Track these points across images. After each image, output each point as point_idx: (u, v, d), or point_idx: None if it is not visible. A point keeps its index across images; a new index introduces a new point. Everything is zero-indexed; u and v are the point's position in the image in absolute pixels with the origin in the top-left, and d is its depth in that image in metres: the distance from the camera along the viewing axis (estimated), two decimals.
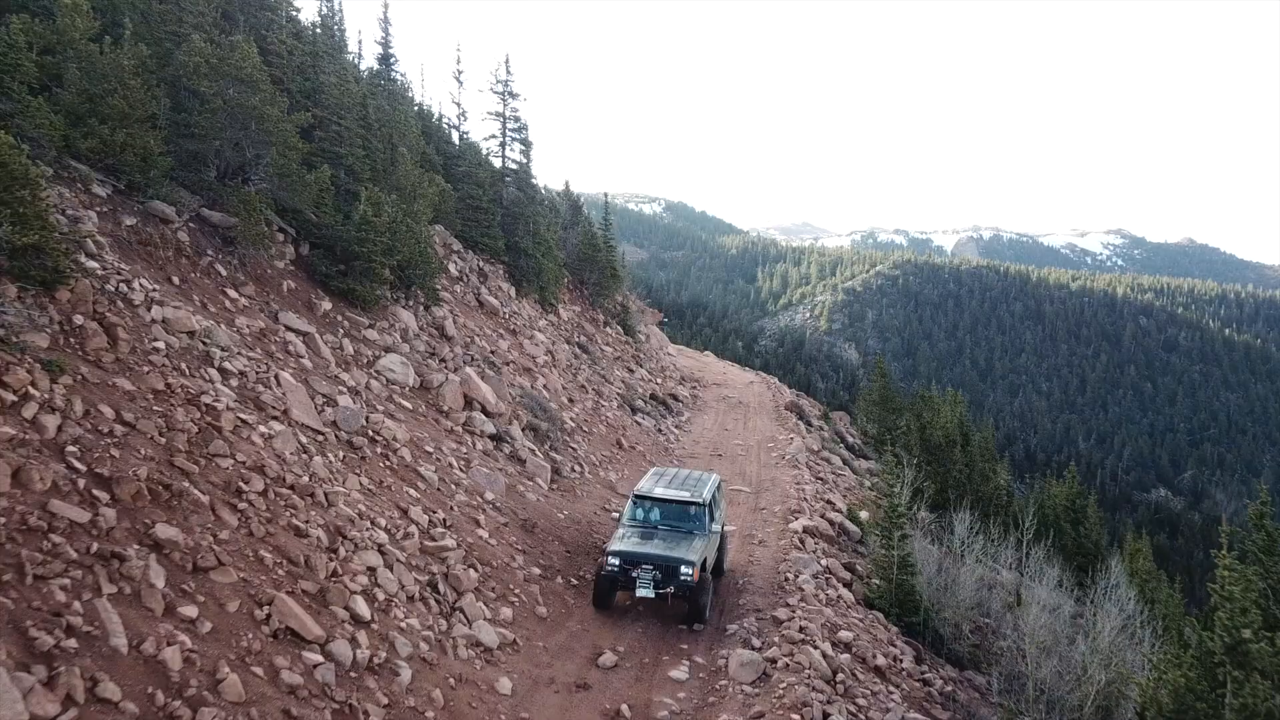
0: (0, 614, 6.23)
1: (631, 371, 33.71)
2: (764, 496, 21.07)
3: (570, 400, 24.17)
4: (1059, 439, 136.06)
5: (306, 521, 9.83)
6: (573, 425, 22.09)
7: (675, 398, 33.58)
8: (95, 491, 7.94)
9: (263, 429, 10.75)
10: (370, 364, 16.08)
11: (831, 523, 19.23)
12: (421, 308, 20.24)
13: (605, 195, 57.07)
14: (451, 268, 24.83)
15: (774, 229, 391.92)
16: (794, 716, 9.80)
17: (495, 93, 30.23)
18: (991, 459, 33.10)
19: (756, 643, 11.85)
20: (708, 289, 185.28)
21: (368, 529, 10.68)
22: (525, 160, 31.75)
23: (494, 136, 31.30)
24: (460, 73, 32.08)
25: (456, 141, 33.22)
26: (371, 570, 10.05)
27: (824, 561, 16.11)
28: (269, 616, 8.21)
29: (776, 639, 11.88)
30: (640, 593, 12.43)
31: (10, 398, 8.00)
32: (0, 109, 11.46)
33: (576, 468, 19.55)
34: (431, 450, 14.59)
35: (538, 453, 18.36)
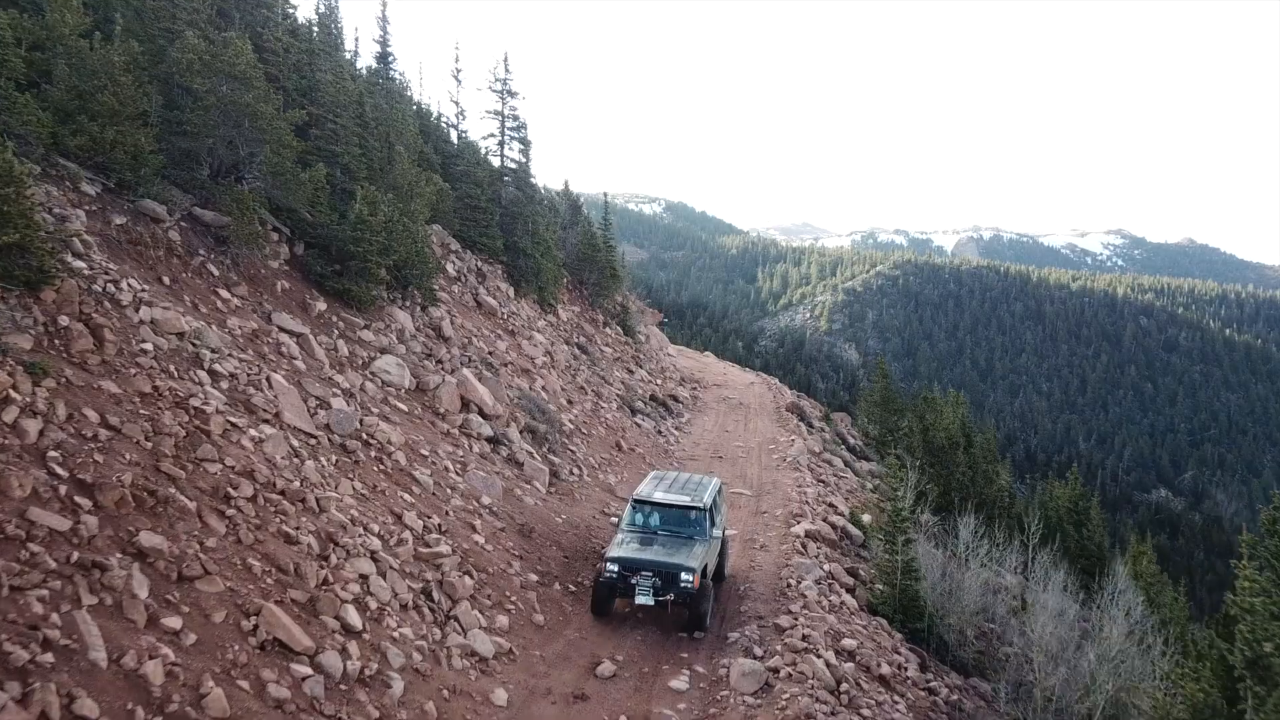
0: None
1: (631, 372, 33.46)
2: (765, 500, 20.82)
3: (569, 402, 23.92)
4: (1059, 439, 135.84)
5: (297, 528, 9.58)
6: (571, 427, 21.84)
7: (675, 399, 33.33)
8: (77, 498, 7.70)
9: (253, 432, 10.50)
10: (365, 365, 15.82)
11: (834, 526, 18.98)
12: (418, 308, 19.99)
13: (605, 195, 56.86)
14: (449, 268, 24.57)
15: (774, 229, 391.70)
16: None
17: (494, 91, 29.99)
18: (994, 461, 32.88)
19: (758, 651, 11.60)
20: (708, 289, 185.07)
21: (360, 535, 10.43)
22: (524, 159, 31.50)
23: (492, 135, 31.06)
24: (459, 71, 31.87)
25: (455, 140, 32.99)
26: (364, 578, 9.80)
27: (826, 566, 15.86)
28: (256, 627, 7.96)
29: (779, 647, 11.63)
30: (640, 600, 12.17)
31: None
32: None
33: (575, 471, 19.30)
34: (427, 453, 14.33)
35: (536, 455, 18.11)
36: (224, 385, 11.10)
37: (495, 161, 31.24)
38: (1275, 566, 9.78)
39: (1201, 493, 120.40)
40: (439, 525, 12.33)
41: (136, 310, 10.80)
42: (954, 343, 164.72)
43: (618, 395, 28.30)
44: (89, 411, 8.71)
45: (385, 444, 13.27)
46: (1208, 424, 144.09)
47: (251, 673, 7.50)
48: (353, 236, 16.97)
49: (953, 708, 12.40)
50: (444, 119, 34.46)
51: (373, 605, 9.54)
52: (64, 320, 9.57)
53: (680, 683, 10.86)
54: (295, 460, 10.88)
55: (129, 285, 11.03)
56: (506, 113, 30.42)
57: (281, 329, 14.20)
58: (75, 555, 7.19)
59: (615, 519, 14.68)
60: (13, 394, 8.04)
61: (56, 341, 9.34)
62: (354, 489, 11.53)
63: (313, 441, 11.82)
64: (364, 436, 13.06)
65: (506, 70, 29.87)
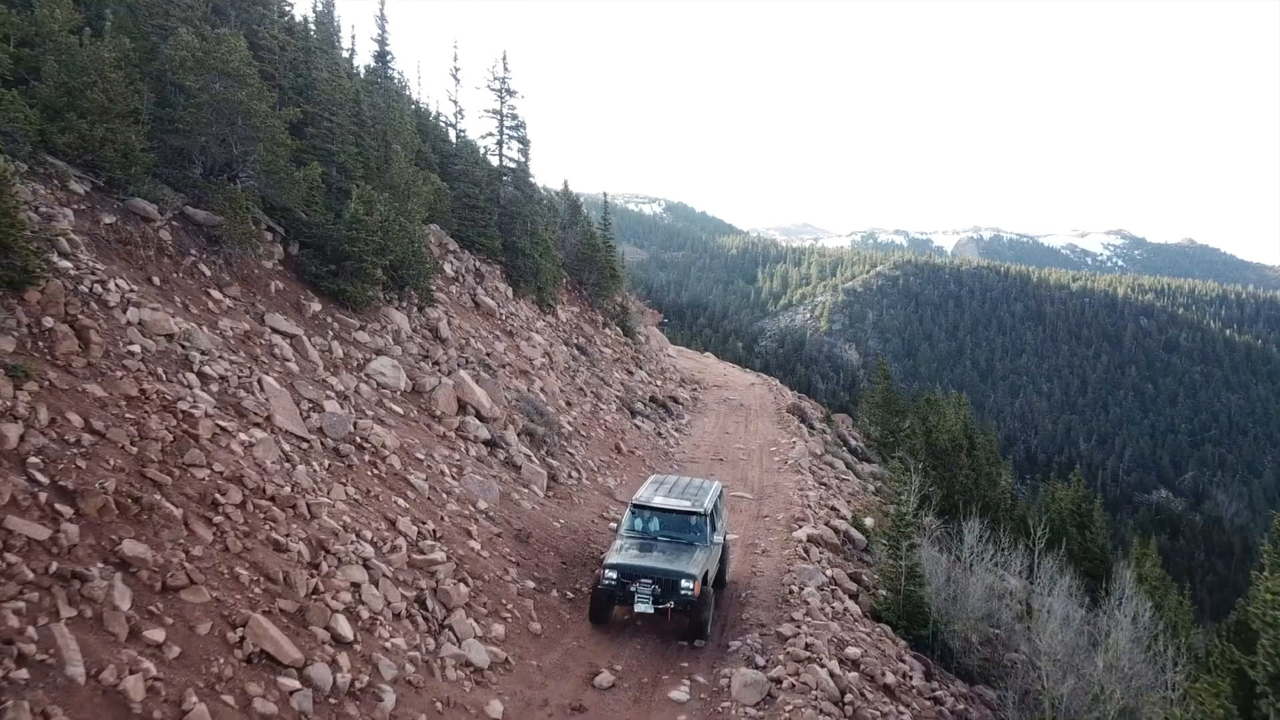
0: None
1: (631, 374, 33.21)
2: (767, 503, 20.56)
3: (568, 404, 23.66)
4: (1060, 440, 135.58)
5: (287, 535, 9.34)
6: (570, 429, 21.58)
7: (675, 400, 33.07)
8: (58, 506, 7.45)
9: (243, 436, 10.26)
10: (360, 367, 15.57)
11: (836, 530, 18.72)
12: (415, 309, 19.73)
13: (605, 195, 56.63)
14: (447, 268, 24.31)
15: (774, 229, 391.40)
16: None
17: (492, 90, 29.72)
18: (996, 463, 32.63)
19: (760, 661, 11.33)
20: (708, 289, 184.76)
21: (352, 542, 10.18)
22: (523, 159, 31.25)
23: (491, 134, 30.81)
24: (457, 70, 31.64)
25: (453, 140, 32.73)
26: (355, 586, 9.55)
27: (829, 572, 15.60)
28: (243, 639, 7.71)
29: (781, 657, 11.36)
30: (639, 608, 11.90)
31: None
32: None
33: (574, 474, 19.05)
34: (422, 457, 14.08)
35: (533, 459, 17.86)
36: (214, 388, 10.86)
37: (494, 161, 30.99)
38: None
39: (1202, 493, 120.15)
40: (434, 531, 12.07)
41: (124, 311, 10.55)
42: (954, 343, 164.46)
43: (617, 397, 28.04)
44: (72, 416, 8.46)
45: (379, 448, 13.01)
46: (1208, 424, 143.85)
47: (237, 687, 7.26)
48: (348, 236, 16.72)
49: (958, 717, 12.16)
50: (442, 118, 34.22)
51: (364, 615, 9.28)
52: (48, 321, 9.33)
53: (680, 694, 10.60)
54: (286, 465, 10.63)
55: (117, 285, 10.78)
56: (505, 112, 30.16)
57: (274, 330, 13.95)
58: (54, 565, 6.95)
59: (614, 524, 14.43)
60: None
61: (40, 343, 9.10)
62: (347, 494, 11.27)
63: (305, 445, 11.57)
64: (358, 440, 12.80)
65: (505, 69, 29.64)
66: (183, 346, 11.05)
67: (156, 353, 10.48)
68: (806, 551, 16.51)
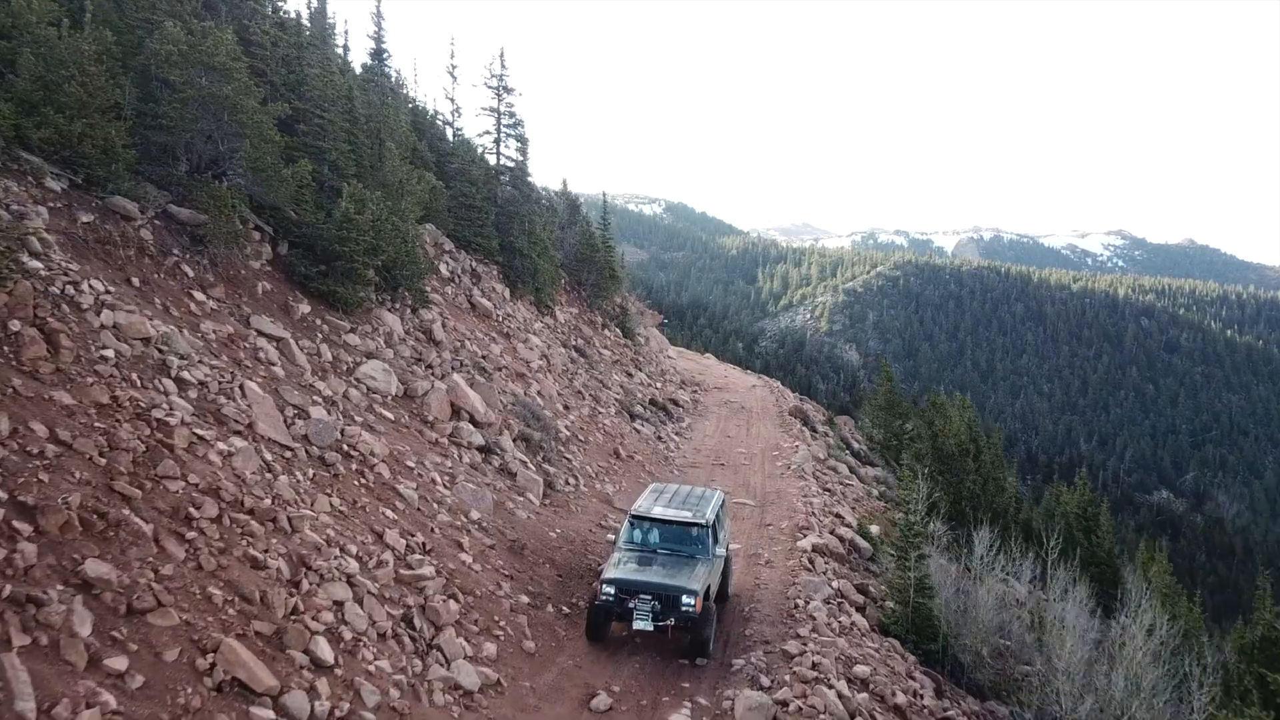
0: None
1: (630, 376, 32.69)
2: (770, 511, 20.03)
3: (566, 407, 23.14)
4: (1060, 441, 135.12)
5: (265, 551, 8.82)
6: (568, 434, 21.06)
7: (675, 403, 32.55)
8: (16, 523, 6.95)
9: (221, 446, 9.75)
10: (350, 371, 15.06)
11: (842, 539, 18.21)
12: (408, 310, 19.21)
13: (604, 195, 56.03)
14: (442, 268, 23.79)
15: (774, 230, 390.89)
16: None
17: (490, 87, 29.20)
18: (1001, 467, 32.13)
19: (765, 681, 10.82)
20: (708, 290, 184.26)
21: (336, 557, 9.67)
22: (521, 158, 30.70)
23: (488, 133, 30.26)
24: (454, 67, 31.17)
25: (450, 138, 32.24)
26: (338, 605, 9.04)
27: (835, 584, 15.09)
28: (214, 665, 7.20)
29: (787, 677, 10.85)
30: (638, 625, 11.37)
31: None
32: None
33: (571, 480, 18.54)
34: (413, 465, 13.56)
35: (530, 465, 17.35)
36: (192, 394, 10.34)
37: (491, 159, 30.46)
38: None
39: (1203, 494, 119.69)
40: (423, 544, 11.55)
41: (98, 314, 10.05)
42: (955, 344, 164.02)
43: (616, 400, 27.52)
44: (37, 425, 7.96)
45: (368, 456, 12.50)
46: (1209, 425, 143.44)
47: (205, 718, 6.75)
48: (339, 235, 16.20)
49: None
50: (439, 116, 33.74)
51: (347, 636, 8.77)
52: (15, 325, 8.83)
53: (681, 717, 10.06)
54: (267, 475, 10.12)
55: (90, 287, 10.28)
56: (503, 110, 29.64)
57: (260, 333, 13.44)
58: (8, 589, 6.45)
59: (612, 535, 13.90)
60: None
61: (5, 348, 8.60)
62: (331, 505, 10.76)
63: (288, 454, 11.06)
64: (345, 448, 12.28)
65: (503, 66, 29.13)
66: (160, 351, 10.53)
67: (131, 357, 9.97)
68: (811, 562, 15.99)
